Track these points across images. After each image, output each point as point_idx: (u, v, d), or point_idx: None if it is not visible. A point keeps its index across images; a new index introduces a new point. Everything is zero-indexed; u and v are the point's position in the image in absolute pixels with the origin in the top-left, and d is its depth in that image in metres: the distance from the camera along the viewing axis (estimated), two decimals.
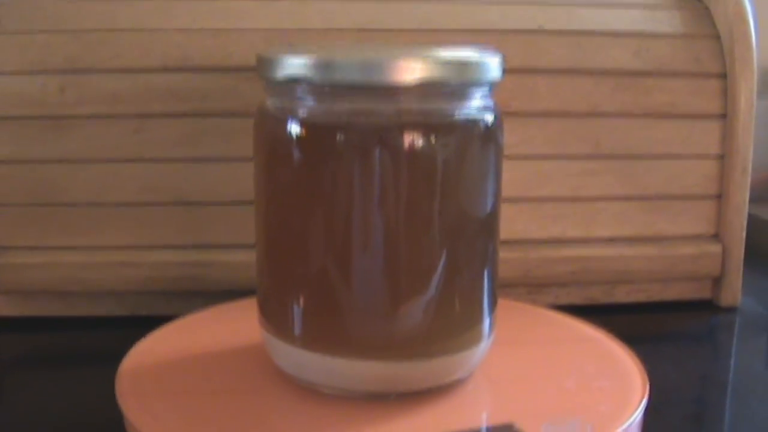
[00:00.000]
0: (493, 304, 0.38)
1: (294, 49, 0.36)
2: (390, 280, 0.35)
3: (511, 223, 0.52)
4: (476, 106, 0.36)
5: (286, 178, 0.36)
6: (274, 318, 0.38)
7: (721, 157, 0.54)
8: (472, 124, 0.36)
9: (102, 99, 0.49)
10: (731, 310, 0.55)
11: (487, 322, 0.38)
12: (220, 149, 0.50)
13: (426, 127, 0.34)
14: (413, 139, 0.34)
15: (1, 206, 0.50)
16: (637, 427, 0.36)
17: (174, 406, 0.37)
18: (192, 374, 0.40)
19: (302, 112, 0.35)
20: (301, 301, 0.37)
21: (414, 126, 0.34)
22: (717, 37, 0.54)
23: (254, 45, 0.49)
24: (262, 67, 0.36)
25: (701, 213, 0.54)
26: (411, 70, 0.33)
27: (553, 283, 0.53)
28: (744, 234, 0.54)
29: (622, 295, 0.55)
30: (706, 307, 0.55)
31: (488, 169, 0.36)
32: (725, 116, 0.53)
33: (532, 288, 0.53)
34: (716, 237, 0.55)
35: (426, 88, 0.34)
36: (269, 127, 0.37)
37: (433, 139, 0.34)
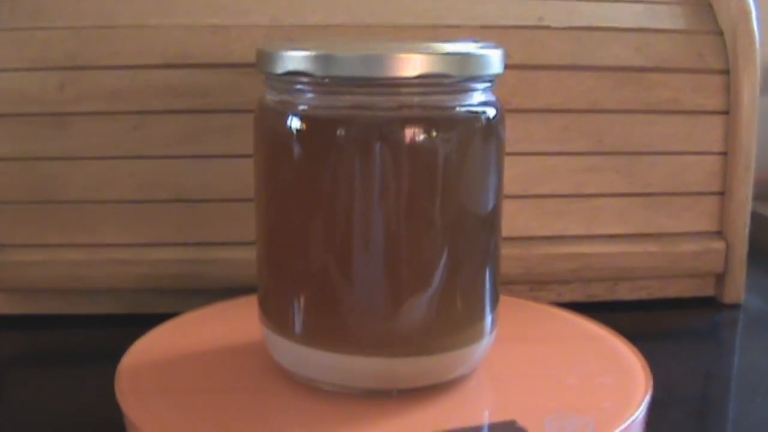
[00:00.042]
0: (495, 301, 0.38)
1: (294, 43, 0.36)
2: (391, 276, 0.35)
3: (513, 220, 0.52)
4: (478, 100, 0.36)
5: (286, 172, 0.36)
6: (275, 314, 0.38)
7: (724, 154, 0.54)
8: (473, 118, 0.35)
9: (102, 96, 0.49)
10: (734, 307, 0.55)
11: (489, 318, 0.38)
12: (221, 146, 0.50)
13: (427, 121, 0.34)
14: (414, 133, 0.34)
15: (0, 204, 0.50)
16: (640, 424, 0.36)
17: (174, 403, 0.36)
18: (192, 372, 0.39)
19: (302, 107, 0.35)
20: (302, 297, 0.36)
21: (415, 120, 0.34)
22: (720, 32, 0.54)
23: (255, 41, 0.49)
24: (262, 61, 0.36)
25: (704, 210, 0.54)
26: (412, 64, 0.33)
27: (555, 280, 0.53)
28: (747, 231, 0.54)
29: (625, 292, 0.54)
30: (709, 304, 0.55)
31: (490, 164, 0.36)
32: (728, 113, 0.53)
33: (534, 285, 0.53)
34: (719, 234, 0.54)
35: (427, 82, 0.34)
36: (269, 121, 0.37)
37: (434, 133, 0.34)
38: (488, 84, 0.36)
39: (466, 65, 0.34)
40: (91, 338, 0.49)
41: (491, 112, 0.36)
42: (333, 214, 0.35)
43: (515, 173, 0.51)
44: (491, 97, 0.36)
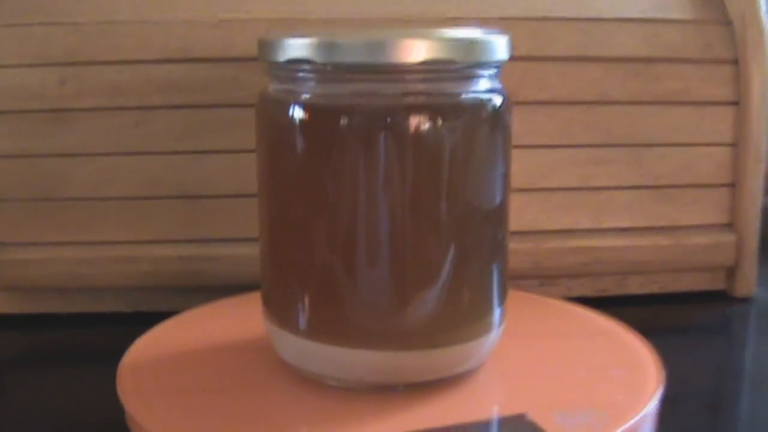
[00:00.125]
0: (503, 293, 0.37)
1: (296, 31, 0.35)
2: (396, 268, 0.34)
3: (521, 214, 0.51)
4: (484, 87, 0.35)
5: (289, 163, 0.35)
6: (279, 309, 0.37)
7: (734, 145, 0.53)
8: (479, 105, 0.35)
9: (102, 91, 0.49)
10: (746, 300, 0.54)
11: (497, 312, 0.37)
12: (223, 141, 0.49)
13: (432, 108, 0.33)
14: (419, 121, 0.33)
15: (0, 201, 0.49)
16: (652, 417, 0.35)
17: (176, 401, 0.36)
18: (194, 370, 0.39)
19: (305, 96, 0.34)
20: (307, 290, 0.36)
21: (420, 108, 0.33)
22: (728, 22, 0.53)
23: (256, 35, 0.47)
24: (264, 50, 0.36)
25: (714, 202, 0.53)
26: (416, 50, 0.32)
27: (565, 274, 0.52)
28: (759, 223, 0.53)
29: (635, 286, 0.54)
30: (721, 297, 0.55)
31: (497, 152, 0.35)
32: (738, 103, 0.53)
33: (544, 280, 0.53)
34: (730, 226, 0.54)
35: (431, 69, 0.33)
36: (271, 112, 0.36)
37: (439, 121, 0.33)
38: (494, 71, 0.35)
39: (471, 51, 0.34)
40: (92, 337, 0.49)
41: (498, 99, 0.35)
42: (337, 203, 0.34)
43: (523, 166, 0.50)
44: (498, 85, 0.36)
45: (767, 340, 0.51)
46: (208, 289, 0.49)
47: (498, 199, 0.36)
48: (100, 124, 0.49)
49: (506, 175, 0.37)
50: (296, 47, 0.34)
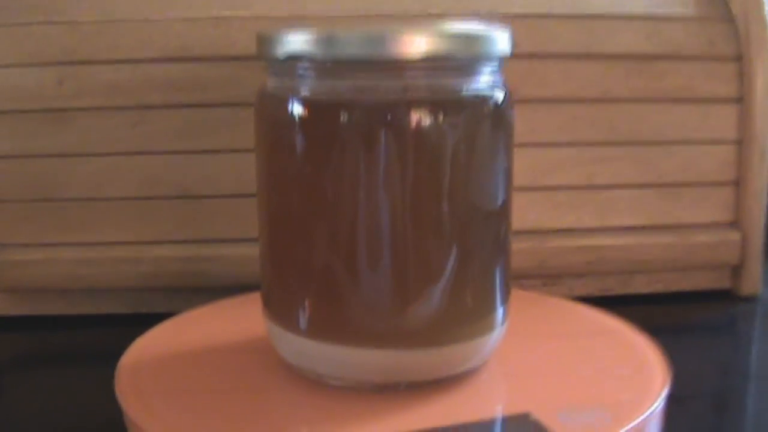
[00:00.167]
0: (506, 292, 0.37)
1: (294, 27, 0.35)
2: (397, 265, 0.34)
3: (524, 213, 0.51)
4: (485, 82, 0.34)
5: (289, 160, 0.35)
6: (280, 308, 0.37)
7: (739, 142, 0.53)
8: (481, 100, 0.34)
9: (100, 91, 0.49)
10: (751, 299, 0.54)
11: (499, 310, 0.37)
12: (222, 141, 0.49)
13: (433, 103, 0.33)
14: (420, 116, 0.33)
15: None
16: (658, 417, 0.34)
17: (175, 402, 0.35)
18: (193, 370, 0.38)
19: (304, 91, 0.34)
20: (307, 289, 0.35)
21: (421, 102, 0.33)
22: (731, 19, 0.53)
23: (255, 34, 0.48)
24: (263, 45, 0.35)
25: (719, 200, 0.53)
26: (416, 44, 0.32)
27: (569, 273, 0.52)
28: (764, 221, 0.53)
29: (639, 285, 0.54)
30: (726, 296, 0.54)
31: (499, 147, 0.35)
32: (741, 100, 0.52)
33: (547, 279, 0.52)
34: (735, 224, 0.53)
35: (432, 63, 0.33)
36: (270, 108, 0.36)
37: (440, 116, 0.33)
38: (496, 65, 0.35)
39: (472, 45, 0.33)
40: (92, 338, 0.49)
41: (500, 95, 0.35)
42: (337, 201, 0.34)
43: (526, 164, 0.50)
44: (499, 79, 0.35)
45: None
46: (208, 289, 0.48)
47: (500, 196, 0.36)
48: (98, 124, 0.49)
49: (509, 171, 0.36)
50: (295, 42, 0.33)
